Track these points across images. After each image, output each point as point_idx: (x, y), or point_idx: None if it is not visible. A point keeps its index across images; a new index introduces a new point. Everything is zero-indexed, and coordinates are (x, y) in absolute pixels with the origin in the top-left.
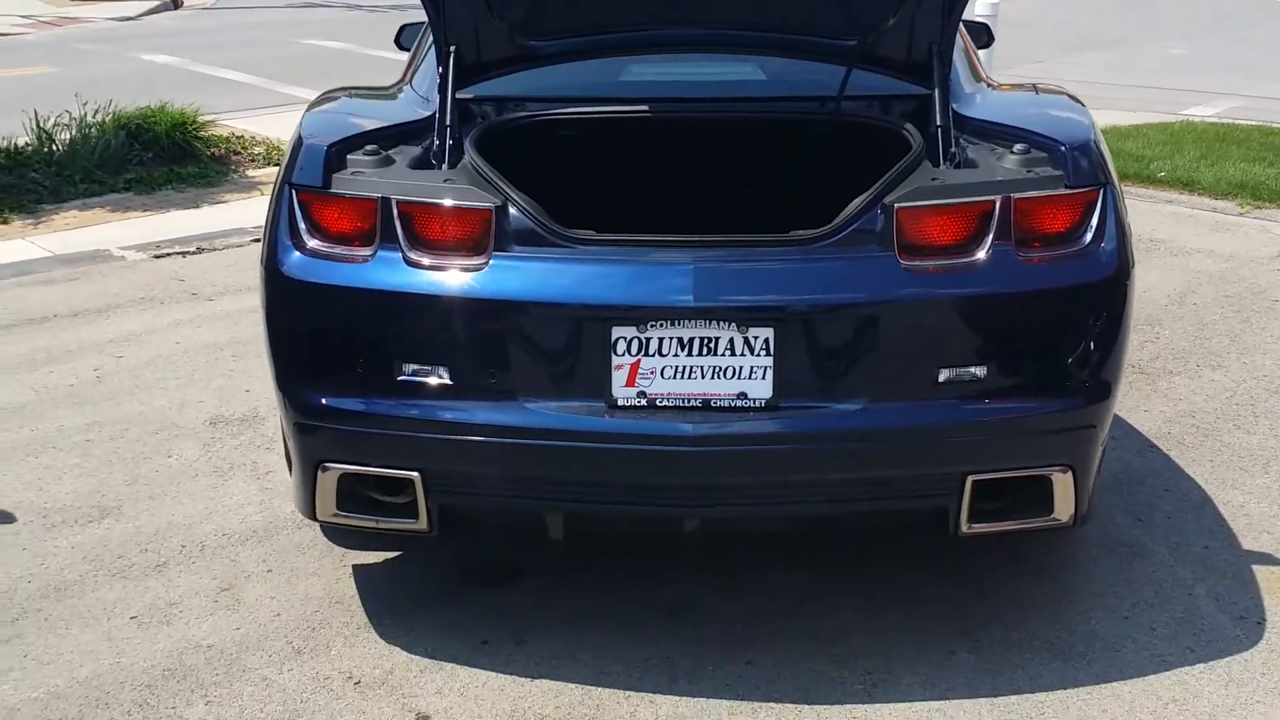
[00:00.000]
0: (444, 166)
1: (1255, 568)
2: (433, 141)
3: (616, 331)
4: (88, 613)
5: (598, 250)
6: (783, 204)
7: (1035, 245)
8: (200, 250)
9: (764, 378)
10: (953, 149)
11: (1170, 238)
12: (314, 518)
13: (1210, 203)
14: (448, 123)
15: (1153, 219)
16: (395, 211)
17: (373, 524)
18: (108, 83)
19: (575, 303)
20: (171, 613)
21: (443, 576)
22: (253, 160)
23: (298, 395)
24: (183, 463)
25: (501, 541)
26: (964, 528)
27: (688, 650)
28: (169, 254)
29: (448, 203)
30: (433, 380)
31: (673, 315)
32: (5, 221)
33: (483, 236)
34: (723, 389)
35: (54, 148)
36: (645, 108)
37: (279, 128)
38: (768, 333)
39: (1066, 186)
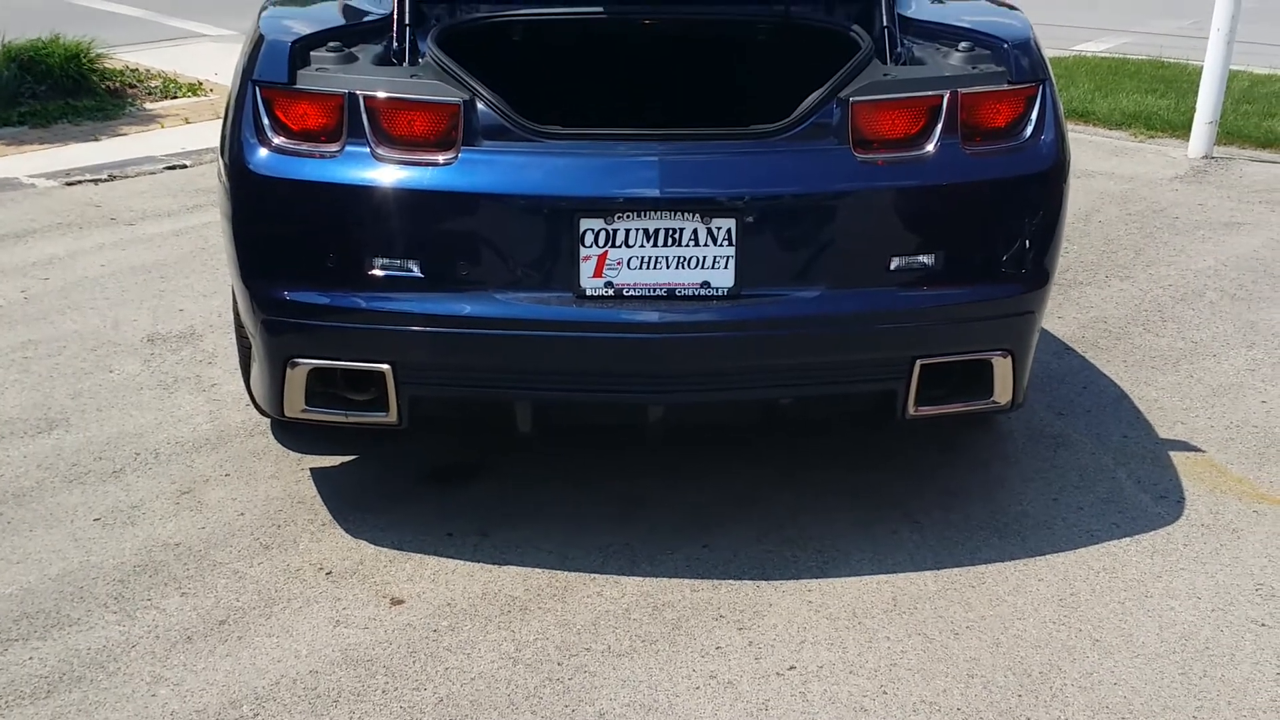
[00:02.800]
0: (404, 64)
1: (1172, 453)
2: (391, 40)
3: (584, 223)
4: (50, 516)
5: (565, 144)
6: (739, 104)
7: (979, 139)
8: (113, 178)
9: (726, 267)
10: (899, 48)
11: (1073, 161)
12: (282, 415)
13: (1106, 132)
14: (406, 21)
15: None
16: (362, 107)
17: (342, 418)
18: None
19: (543, 195)
20: (135, 514)
21: (401, 477)
22: (149, 93)
23: (266, 292)
24: (125, 377)
25: (461, 441)
26: (911, 410)
27: (646, 538)
28: (81, 181)
29: (417, 98)
30: (403, 274)
31: (639, 207)
32: None
33: (451, 131)
34: (687, 279)
35: None
36: (598, 9)
37: (174, 61)
38: (730, 223)
39: (1009, 82)
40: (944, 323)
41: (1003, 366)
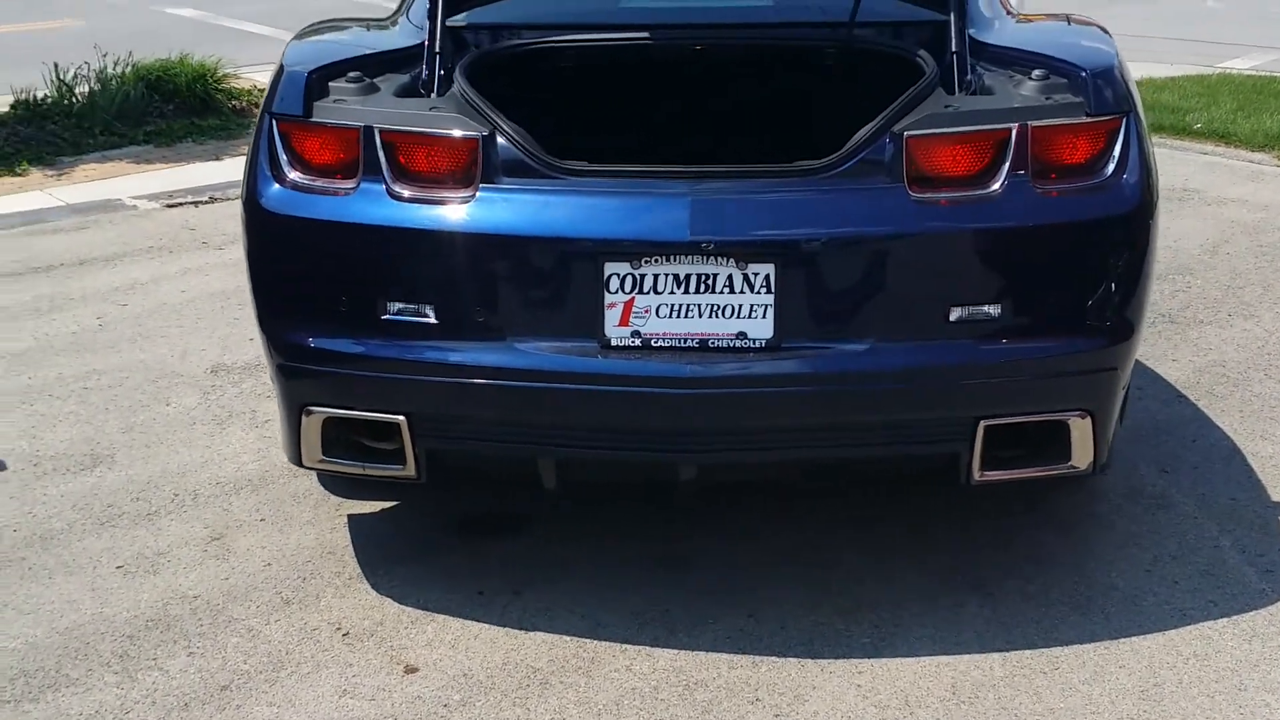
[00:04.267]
0: (432, 95)
1: None
2: (421, 70)
3: (609, 267)
4: (73, 562)
5: (589, 181)
6: (789, 137)
7: (1053, 176)
8: (213, 199)
9: (764, 317)
10: (968, 76)
11: (1205, 187)
12: (300, 464)
13: (1247, 154)
14: (436, 49)
15: (1187, 169)
16: (378, 141)
17: (359, 470)
18: (132, 36)
19: (565, 237)
20: (159, 562)
21: (441, 526)
22: None
23: (280, 336)
24: (180, 410)
25: (500, 490)
26: (975, 475)
27: (687, 602)
28: (181, 203)
29: (433, 131)
30: (418, 319)
31: (668, 250)
32: (24, 174)
33: (469, 167)
34: (721, 329)
35: (74, 100)
36: (645, 35)
37: None
38: (768, 269)
39: (1087, 114)
40: (1012, 380)
41: (1081, 428)
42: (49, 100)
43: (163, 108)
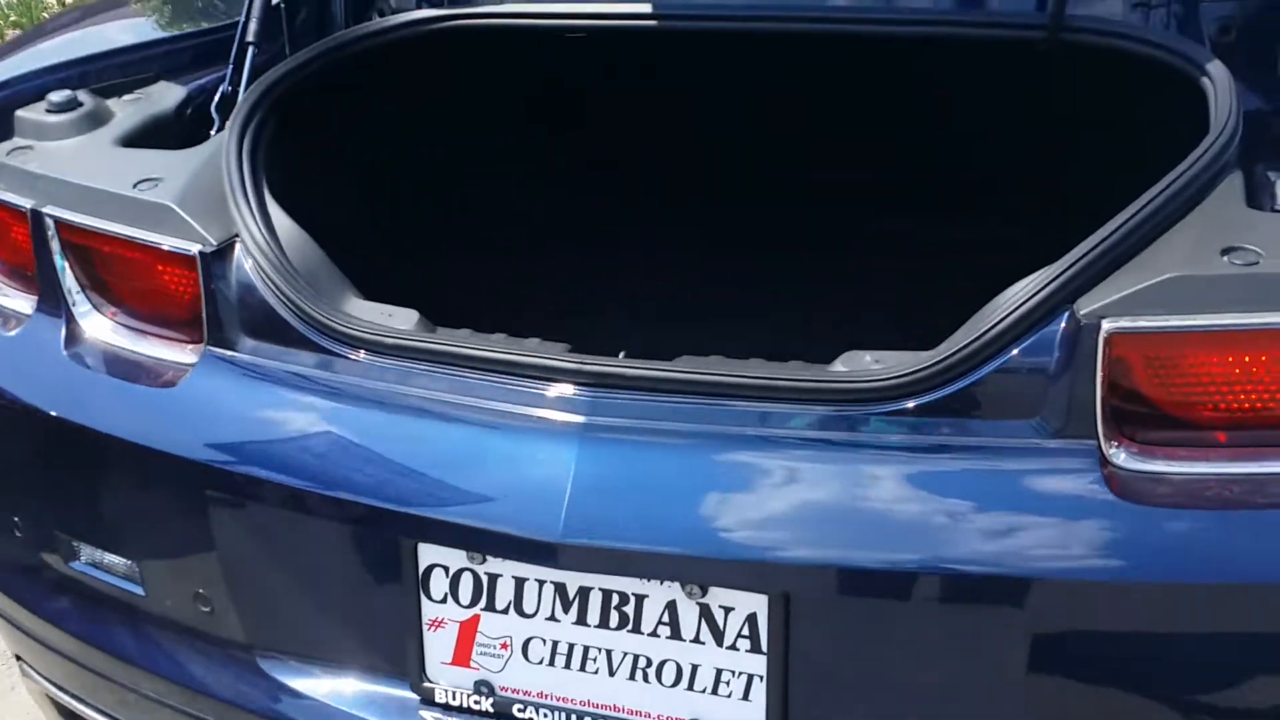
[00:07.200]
0: (216, 129)
1: None
2: (226, 71)
3: (427, 554)
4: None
5: (394, 369)
6: (845, 306)
7: None
8: None
9: (746, 696)
10: None
11: None
12: None
13: None
14: (249, 37)
15: None
16: (52, 236)
17: None
18: None
19: (331, 494)
20: None
21: None
22: None
23: None
24: None
25: None
26: None
27: None
28: None
29: (109, 229)
30: (119, 582)
31: (527, 550)
32: None
33: (187, 310)
34: (654, 706)
35: None
36: (660, 18)
37: None
38: (756, 605)
39: None
40: None
41: None
42: None
43: None
